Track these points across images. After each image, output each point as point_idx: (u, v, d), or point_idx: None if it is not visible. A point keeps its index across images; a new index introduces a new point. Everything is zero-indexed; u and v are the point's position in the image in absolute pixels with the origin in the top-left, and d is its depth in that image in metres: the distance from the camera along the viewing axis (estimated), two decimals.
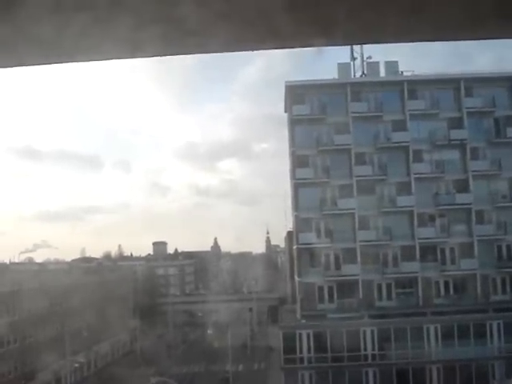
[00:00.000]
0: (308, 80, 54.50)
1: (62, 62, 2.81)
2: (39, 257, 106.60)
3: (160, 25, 2.58)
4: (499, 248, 51.33)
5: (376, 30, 2.66)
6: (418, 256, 50.75)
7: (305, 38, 2.72)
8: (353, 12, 2.52)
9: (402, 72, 54.18)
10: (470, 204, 50.78)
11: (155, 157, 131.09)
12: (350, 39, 2.97)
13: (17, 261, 76.73)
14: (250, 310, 77.26)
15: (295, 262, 53.54)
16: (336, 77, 54.01)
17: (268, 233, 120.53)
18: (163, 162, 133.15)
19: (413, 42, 2.89)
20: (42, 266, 79.31)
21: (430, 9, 2.53)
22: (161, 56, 2.82)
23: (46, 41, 2.63)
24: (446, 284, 51.29)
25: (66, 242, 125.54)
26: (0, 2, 2.48)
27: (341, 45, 2.85)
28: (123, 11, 2.52)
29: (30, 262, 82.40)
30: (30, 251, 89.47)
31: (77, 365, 59.21)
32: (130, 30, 2.58)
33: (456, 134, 51.47)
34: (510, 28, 2.62)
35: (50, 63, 2.82)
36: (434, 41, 2.90)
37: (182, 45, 2.75)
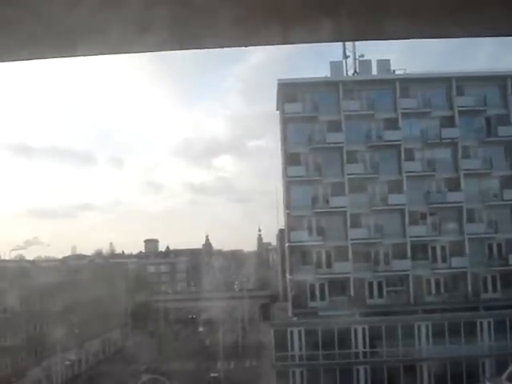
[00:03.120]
0: (300, 78, 54.52)
1: (60, 57, 2.81)
2: (30, 254, 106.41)
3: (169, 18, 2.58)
4: (490, 246, 51.56)
5: (375, 26, 2.66)
6: (409, 254, 50.91)
7: (296, 35, 2.72)
8: (350, 8, 2.52)
9: (394, 70, 54.31)
10: (461, 202, 50.97)
11: (149, 153, 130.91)
12: (350, 36, 2.97)
13: (7, 258, 76.32)
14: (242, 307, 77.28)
15: (287, 259, 53.56)
16: (328, 75, 54.07)
17: (260, 230, 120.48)
18: (157, 159, 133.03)
19: (412, 38, 2.89)
20: (33, 263, 78.99)
21: (430, 6, 2.53)
22: (171, 50, 2.82)
23: (41, 35, 2.63)
24: (437, 282, 51.49)
25: (58, 239, 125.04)
26: None
27: (336, 41, 2.85)
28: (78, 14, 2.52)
29: (21, 259, 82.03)
30: (21, 248, 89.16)
31: (68, 362, 59.05)
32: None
33: (447, 133, 51.64)
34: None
35: (46, 58, 2.81)
36: (433, 38, 2.90)
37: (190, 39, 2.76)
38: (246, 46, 2.86)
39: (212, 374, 56.47)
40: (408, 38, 2.87)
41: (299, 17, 2.56)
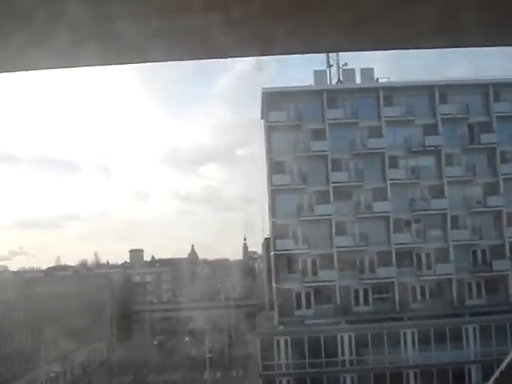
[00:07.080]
0: (284, 87, 54.66)
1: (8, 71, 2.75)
2: (15, 265, 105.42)
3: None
4: (474, 253, 51.83)
5: (358, 37, 2.66)
6: (394, 261, 51.04)
7: (278, 46, 2.71)
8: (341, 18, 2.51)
9: (377, 79, 54.63)
10: (445, 209, 51.24)
11: (135, 163, 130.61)
12: (337, 46, 2.96)
13: None
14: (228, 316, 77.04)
15: (272, 268, 53.46)
16: (312, 83, 54.26)
17: (245, 239, 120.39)
18: (143, 168, 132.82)
19: (393, 49, 2.88)
20: (17, 274, 78.35)
21: (408, 17, 2.54)
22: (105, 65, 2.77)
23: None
24: (422, 289, 51.63)
25: (43, 250, 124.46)
26: None
27: (322, 52, 2.85)
28: (63, 26, 2.48)
29: (5, 270, 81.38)
30: (6, 259, 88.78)
31: (52, 374, 58.48)
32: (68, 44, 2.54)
33: (431, 141, 51.94)
34: (493, 36, 2.64)
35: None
36: (414, 48, 2.90)
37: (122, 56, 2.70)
38: (226, 58, 2.83)
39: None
40: (393, 49, 2.87)
41: (277, 28, 2.54)
